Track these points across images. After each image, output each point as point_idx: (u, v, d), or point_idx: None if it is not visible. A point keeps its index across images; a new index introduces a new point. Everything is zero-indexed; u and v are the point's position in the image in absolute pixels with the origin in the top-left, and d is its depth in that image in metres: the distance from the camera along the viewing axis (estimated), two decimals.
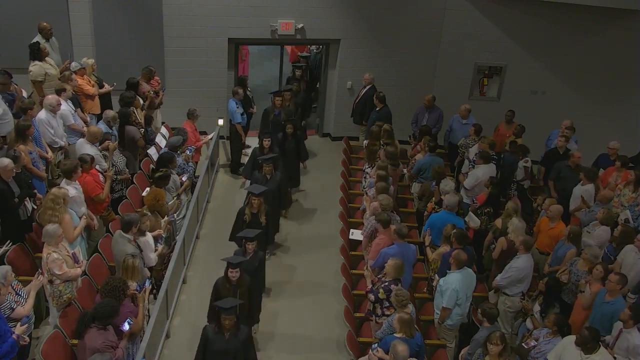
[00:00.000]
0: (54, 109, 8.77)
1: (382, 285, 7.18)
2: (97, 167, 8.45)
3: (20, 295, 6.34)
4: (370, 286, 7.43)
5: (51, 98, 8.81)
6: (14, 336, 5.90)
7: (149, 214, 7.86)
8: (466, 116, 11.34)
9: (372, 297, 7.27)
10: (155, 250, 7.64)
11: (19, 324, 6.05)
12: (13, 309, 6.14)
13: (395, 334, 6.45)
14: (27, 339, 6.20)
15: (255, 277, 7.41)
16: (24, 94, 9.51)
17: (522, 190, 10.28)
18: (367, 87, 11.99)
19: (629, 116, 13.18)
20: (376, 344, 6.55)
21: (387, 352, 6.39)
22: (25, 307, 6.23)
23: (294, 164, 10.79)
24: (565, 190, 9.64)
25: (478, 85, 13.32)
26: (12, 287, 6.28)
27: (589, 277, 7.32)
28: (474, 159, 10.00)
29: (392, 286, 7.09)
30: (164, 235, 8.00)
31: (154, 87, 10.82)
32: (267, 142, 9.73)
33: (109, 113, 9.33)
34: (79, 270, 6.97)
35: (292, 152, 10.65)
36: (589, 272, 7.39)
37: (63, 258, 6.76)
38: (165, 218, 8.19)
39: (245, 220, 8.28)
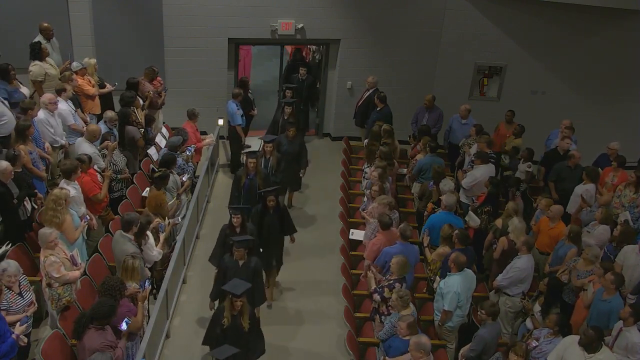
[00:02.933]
0: (49, 107, 8.76)
1: (387, 284, 7.20)
2: (95, 166, 8.45)
3: (23, 297, 6.33)
4: (374, 286, 7.43)
5: (46, 96, 8.81)
6: (13, 336, 5.90)
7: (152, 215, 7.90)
8: (466, 116, 11.34)
9: (377, 297, 7.28)
10: (157, 240, 7.68)
11: (18, 323, 6.05)
12: (7, 311, 6.14)
13: (404, 337, 6.45)
14: (26, 339, 6.19)
15: None
16: (23, 89, 9.45)
17: (522, 192, 10.28)
18: (370, 90, 11.94)
19: (629, 116, 13.19)
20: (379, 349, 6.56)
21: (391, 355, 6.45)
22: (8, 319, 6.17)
23: (274, 244, 8.39)
24: (565, 191, 9.65)
25: (478, 85, 13.32)
26: (19, 287, 6.29)
27: (592, 276, 7.33)
28: (472, 159, 10.00)
29: (397, 284, 7.13)
30: (163, 224, 8.01)
31: (156, 87, 10.82)
32: (237, 220, 7.70)
33: (109, 114, 9.33)
34: (77, 273, 6.94)
35: (274, 229, 8.31)
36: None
37: (61, 261, 6.74)
38: (169, 220, 8.19)
39: (223, 325, 6.52)
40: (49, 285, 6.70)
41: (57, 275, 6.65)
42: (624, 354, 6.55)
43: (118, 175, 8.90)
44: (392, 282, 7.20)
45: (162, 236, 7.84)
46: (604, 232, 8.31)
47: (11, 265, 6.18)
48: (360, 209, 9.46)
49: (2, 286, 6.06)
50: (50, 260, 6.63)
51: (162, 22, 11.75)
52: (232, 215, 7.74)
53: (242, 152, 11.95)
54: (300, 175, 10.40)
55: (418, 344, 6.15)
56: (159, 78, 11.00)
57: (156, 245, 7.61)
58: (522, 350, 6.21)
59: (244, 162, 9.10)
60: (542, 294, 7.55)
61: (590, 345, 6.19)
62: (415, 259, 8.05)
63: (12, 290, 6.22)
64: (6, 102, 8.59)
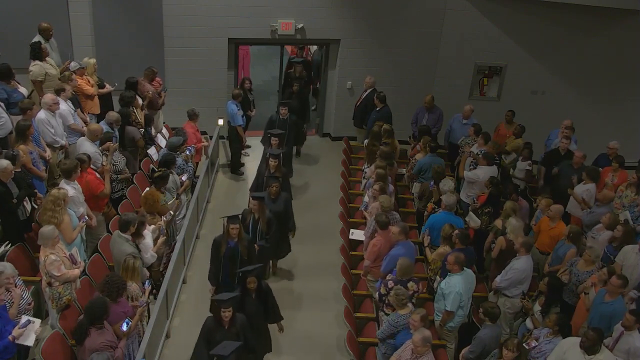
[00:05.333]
0: (50, 108, 8.76)
1: (383, 281, 7.25)
2: (92, 165, 8.44)
3: (24, 298, 6.36)
4: (379, 291, 7.46)
5: (47, 97, 8.81)
6: (10, 337, 5.89)
7: (147, 215, 7.90)
8: (469, 116, 11.34)
9: (376, 295, 7.31)
10: (155, 241, 7.67)
11: (17, 326, 6.03)
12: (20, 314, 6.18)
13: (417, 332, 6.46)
14: (34, 340, 6.18)
15: None
16: (21, 89, 9.45)
17: (521, 191, 10.29)
18: (368, 91, 11.92)
19: (629, 116, 13.20)
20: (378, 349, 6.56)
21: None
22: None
23: (258, 333, 6.95)
24: (565, 191, 9.65)
25: (478, 85, 13.32)
26: (16, 286, 6.29)
27: (593, 277, 7.32)
28: (480, 156, 9.95)
29: (390, 283, 7.15)
30: (164, 227, 8.01)
31: (156, 87, 10.81)
32: (227, 314, 6.22)
33: (112, 115, 9.31)
34: (77, 271, 6.95)
35: (257, 316, 6.91)
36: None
37: (61, 259, 6.75)
38: (164, 218, 8.19)
39: None
40: (49, 284, 6.70)
41: (57, 274, 6.65)
42: (625, 357, 6.52)
43: (118, 176, 8.89)
44: (387, 280, 7.25)
45: (160, 240, 7.82)
46: (608, 237, 8.30)
47: (7, 267, 6.21)
48: (362, 208, 9.44)
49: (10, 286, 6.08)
50: (50, 259, 6.63)
51: (162, 22, 11.74)
52: (223, 309, 6.18)
53: (243, 152, 12.05)
54: (290, 237, 8.94)
55: (425, 339, 6.20)
56: (158, 79, 11.00)
57: (153, 247, 7.62)
58: (514, 345, 6.19)
59: (224, 227, 7.42)
60: (542, 294, 7.55)
61: (592, 347, 6.18)
62: (414, 254, 8.05)
63: (10, 292, 6.23)
64: (2, 104, 8.59)
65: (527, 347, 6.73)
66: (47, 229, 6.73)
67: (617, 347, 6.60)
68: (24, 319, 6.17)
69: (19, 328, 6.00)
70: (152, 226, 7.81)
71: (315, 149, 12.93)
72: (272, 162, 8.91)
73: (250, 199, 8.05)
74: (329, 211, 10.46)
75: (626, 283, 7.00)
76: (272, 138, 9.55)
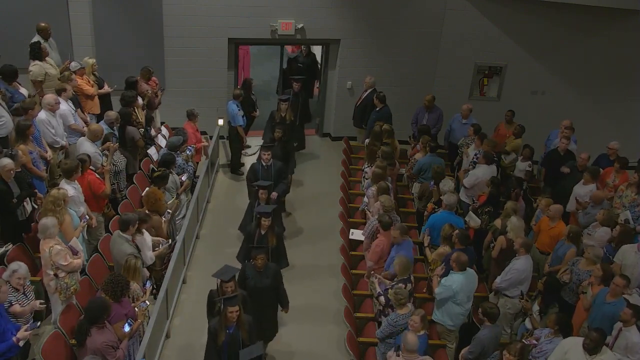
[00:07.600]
0: (52, 108, 8.77)
1: (391, 286, 7.21)
2: (90, 167, 8.44)
3: (27, 297, 6.39)
4: (379, 290, 7.43)
5: (49, 97, 8.81)
6: (14, 339, 5.88)
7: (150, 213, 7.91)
8: (467, 116, 11.34)
9: (382, 300, 7.29)
10: (155, 250, 7.66)
11: (23, 328, 6.02)
12: (12, 304, 6.21)
13: (419, 333, 6.45)
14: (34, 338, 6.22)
15: None
16: (22, 90, 9.45)
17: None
18: (368, 91, 11.91)
19: (629, 116, 13.20)
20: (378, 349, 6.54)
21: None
22: (19, 309, 6.24)
23: None
24: (565, 190, 9.64)
25: (478, 85, 13.32)
26: (23, 288, 6.34)
27: (591, 278, 7.32)
28: (475, 159, 9.98)
29: (401, 285, 7.13)
30: (165, 243, 8.02)
31: (152, 87, 10.82)
32: None
33: (111, 115, 9.31)
34: (79, 261, 6.99)
35: None
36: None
37: (65, 249, 6.78)
38: (163, 218, 8.19)
39: None
40: (56, 275, 6.71)
41: (64, 263, 6.69)
42: (623, 353, 6.53)
43: (116, 183, 8.87)
44: (395, 283, 7.21)
45: (162, 248, 7.82)
46: (605, 234, 8.30)
47: (22, 267, 6.27)
48: (364, 207, 9.42)
49: (4, 283, 6.07)
50: (56, 249, 6.66)
51: (162, 22, 11.74)
52: None
53: (243, 152, 12.04)
54: (283, 313, 7.63)
55: (405, 340, 6.18)
56: (154, 78, 10.99)
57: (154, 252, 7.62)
58: (515, 350, 6.17)
59: (222, 311, 6.28)
60: (541, 294, 7.55)
61: (595, 348, 6.18)
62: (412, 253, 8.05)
63: (18, 292, 6.27)
64: (3, 103, 8.59)
65: (526, 342, 6.71)
66: (47, 220, 6.75)
67: (615, 344, 6.61)
68: (32, 322, 6.20)
69: (26, 331, 5.99)
70: (157, 238, 7.84)
71: (315, 149, 12.93)
72: (264, 222, 7.77)
73: (221, 280, 6.68)
74: (328, 211, 10.46)
75: (629, 283, 7.00)
76: (260, 191, 8.41)
